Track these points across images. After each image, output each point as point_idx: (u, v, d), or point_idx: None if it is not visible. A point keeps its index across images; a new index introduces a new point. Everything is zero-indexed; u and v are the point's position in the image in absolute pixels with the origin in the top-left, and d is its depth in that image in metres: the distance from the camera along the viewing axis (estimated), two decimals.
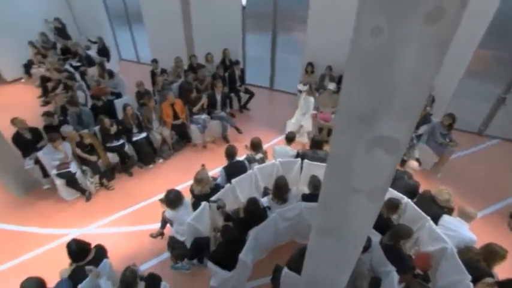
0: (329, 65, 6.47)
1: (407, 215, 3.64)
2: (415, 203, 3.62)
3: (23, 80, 8.70)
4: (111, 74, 6.79)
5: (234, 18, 7.20)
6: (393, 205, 3.40)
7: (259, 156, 4.25)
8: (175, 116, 5.64)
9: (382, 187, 1.56)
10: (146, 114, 5.50)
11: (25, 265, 3.88)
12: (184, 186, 4.69)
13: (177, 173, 5.25)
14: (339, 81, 6.39)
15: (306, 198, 3.65)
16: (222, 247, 3.18)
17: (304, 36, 6.71)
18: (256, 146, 4.24)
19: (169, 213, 3.47)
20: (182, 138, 5.83)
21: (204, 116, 5.74)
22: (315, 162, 4.18)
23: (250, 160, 4.21)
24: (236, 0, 6.95)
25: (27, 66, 8.46)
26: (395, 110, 1.23)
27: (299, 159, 4.29)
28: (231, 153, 4.02)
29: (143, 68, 9.17)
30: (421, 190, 3.93)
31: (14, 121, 4.81)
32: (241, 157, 4.31)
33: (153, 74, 6.75)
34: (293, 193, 3.78)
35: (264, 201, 3.68)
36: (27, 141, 4.93)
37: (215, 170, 4.89)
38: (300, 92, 6.44)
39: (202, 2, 7.24)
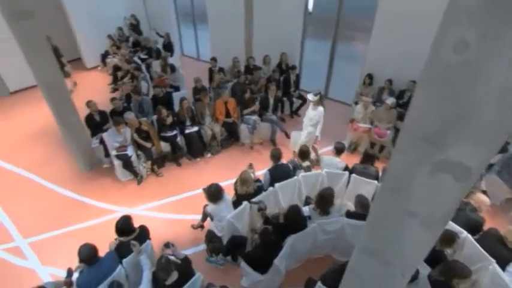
0: (389, 78, 6.13)
1: (465, 252, 3.27)
2: (477, 241, 3.23)
3: (99, 68, 9.84)
4: (172, 68, 7.30)
5: (295, 22, 7.23)
6: (448, 238, 3.08)
7: (306, 164, 4.20)
8: (227, 114, 5.84)
9: (442, 216, 1.43)
10: (200, 109, 5.79)
11: (81, 231, 4.41)
12: (228, 183, 4.83)
13: (223, 170, 5.44)
14: (398, 96, 6.02)
15: (350, 215, 3.50)
16: (258, 249, 3.21)
17: (366, 46, 6.47)
18: (304, 153, 4.19)
19: (210, 207, 3.61)
20: (231, 136, 6.02)
21: (254, 117, 5.86)
22: (363, 178, 4.00)
23: (296, 167, 4.18)
24: (300, 5, 6.97)
25: (104, 56, 9.55)
26: (473, 132, 1.12)
27: (347, 173, 4.14)
28: (276, 156, 4.04)
29: (202, 65, 9.69)
30: (486, 227, 3.50)
31: (88, 104, 5.46)
32: (285, 161, 4.30)
33: (211, 72, 7.09)
34: (336, 206, 3.65)
35: (305, 210, 3.62)
36: (96, 123, 5.56)
37: (260, 171, 4.95)
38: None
39: (266, 5, 7.40)
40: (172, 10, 10.15)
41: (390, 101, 5.40)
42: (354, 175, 4.07)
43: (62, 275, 3.57)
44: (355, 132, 5.74)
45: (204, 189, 3.66)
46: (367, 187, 3.93)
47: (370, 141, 5.63)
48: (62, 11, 8.88)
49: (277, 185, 3.87)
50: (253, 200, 3.65)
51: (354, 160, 4.99)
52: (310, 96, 4.77)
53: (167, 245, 3.11)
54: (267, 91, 6.01)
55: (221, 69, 7.10)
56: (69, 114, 5.05)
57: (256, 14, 7.56)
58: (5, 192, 5.14)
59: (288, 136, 6.18)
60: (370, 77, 6.33)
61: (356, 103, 6.22)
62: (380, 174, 4.13)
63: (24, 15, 4.12)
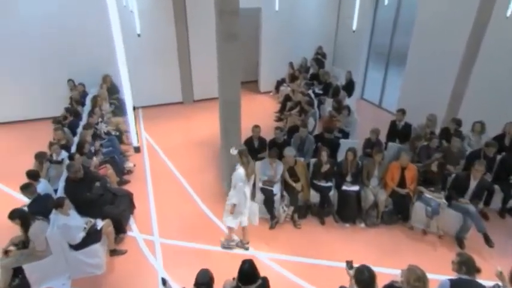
0: None
1: None
2: None
3: (271, 94, 11.59)
4: (348, 111, 7.56)
5: None
6: None
7: None
8: (402, 183, 5.51)
9: None
10: (368, 167, 5.70)
11: (205, 253, 5.08)
12: (379, 270, 4.37)
13: (376, 250, 5.10)
14: None
15: None
16: None
17: None
18: None
19: None
20: (398, 212, 5.59)
21: (441, 200, 5.23)
22: None
23: None
24: None
25: (279, 83, 11.17)
26: None
27: None
28: (469, 265, 3.33)
29: (383, 115, 9.75)
30: None
31: (254, 128, 6.37)
32: (481, 280, 3.49)
33: (393, 126, 6.91)
34: None
35: None
36: (253, 148, 6.38)
37: (431, 275, 4.24)
38: None
39: (500, 54, 6.65)
40: (365, 47, 10.80)
41: None
42: None
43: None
44: None
45: (355, 275, 3.40)
46: None
47: None
48: (257, 35, 11.19)
49: None
50: None
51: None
52: (231, 150, 4.73)
53: None
54: (470, 169, 5.23)
55: (408, 126, 6.79)
56: (233, 132, 6.04)
57: (481, 60, 6.84)
58: (160, 188, 6.62)
59: (488, 242, 5.09)
60: None
61: None
62: None
63: (232, 38, 5.38)
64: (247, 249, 5.12)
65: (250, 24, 10.77)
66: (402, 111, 6.95)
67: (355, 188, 5.59)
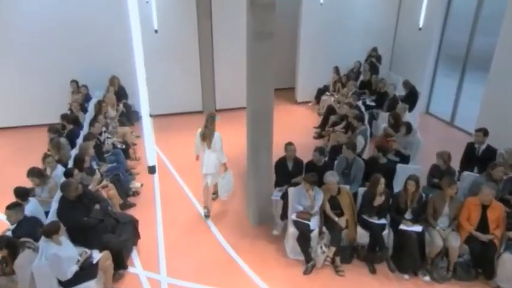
0: None
1: None
2: None
3: (309, 104, 11.62)
4: (408, 129, 7.32)
5: None
6: None
7: None
8: (483, 227, 5.19)
9: None
10: (435, 202, 5.47)
11: None
12: None
13: None
14: None
15: None
16: None
17: None
18: None
19: None
20: (478, 265, 5.24)
21: None
22: None
23: None
24: None
25: (321, 91, 11.13)
26: None
27: None
28: None
29: (456, 134, 9.52)
30: None
31: (287, 147, 6.27)
32: None
33: (471, 150, 6.64)
34: None
35: None
36: (287, 171, 6.32)
37: None
38: None
39: None
40: (434, 49, 10.60)
41: None
42: None
43: None
44: None
45: None
46: None
47: None
48: (295, 33, 11.33)
49: None
50: None
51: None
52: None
53: None
54: None
55: (491, 151, 6.48)
56: (264, 150, 6.02)
57: None
58: (172, 215, 6.64)
59: None
60: None
61: None
62: None
63: (266, 36, 5.42)
64: (206, 216, 6.52)
65: (287, 19, 10.91)
66: (483, 132, 6.63)
67: (417, 228, 5.35)
